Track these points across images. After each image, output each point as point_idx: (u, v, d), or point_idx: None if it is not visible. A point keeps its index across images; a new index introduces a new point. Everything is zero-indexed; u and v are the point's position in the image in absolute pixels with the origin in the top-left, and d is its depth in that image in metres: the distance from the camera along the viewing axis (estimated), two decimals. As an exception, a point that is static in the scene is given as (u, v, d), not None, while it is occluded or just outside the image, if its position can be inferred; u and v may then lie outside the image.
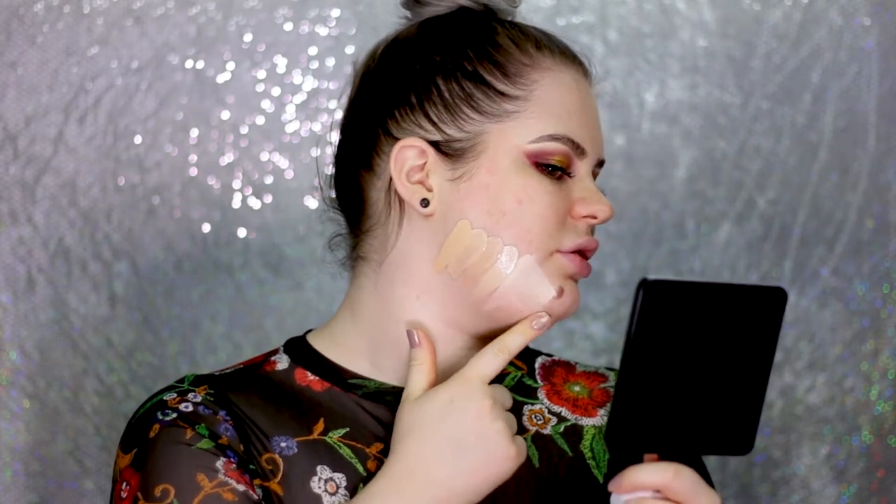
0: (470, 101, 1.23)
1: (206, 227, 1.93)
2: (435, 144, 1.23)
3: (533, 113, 1.23)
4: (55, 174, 1.89)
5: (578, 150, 1.23)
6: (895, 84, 2.00)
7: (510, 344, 1.20)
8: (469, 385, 1.17)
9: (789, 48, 2.00)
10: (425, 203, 1.23)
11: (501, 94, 1.23)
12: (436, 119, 1.23)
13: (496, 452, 1.16)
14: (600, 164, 1.28)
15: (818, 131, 2.00)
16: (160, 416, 1.20)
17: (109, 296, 1.90)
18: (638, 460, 1.07)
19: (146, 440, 1.19)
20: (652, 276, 1.02)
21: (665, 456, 1.06)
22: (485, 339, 1.26)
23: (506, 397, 1.20)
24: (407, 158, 1.23)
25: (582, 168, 1.24)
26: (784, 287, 1.06)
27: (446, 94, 1.23)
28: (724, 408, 1.05)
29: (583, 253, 1.24)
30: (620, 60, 1.98)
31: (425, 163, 1.23)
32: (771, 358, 1.06)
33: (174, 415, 1.20)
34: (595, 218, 1.24)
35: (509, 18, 1.30)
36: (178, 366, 1.92)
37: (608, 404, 1.32)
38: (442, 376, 1.25)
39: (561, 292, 1.22)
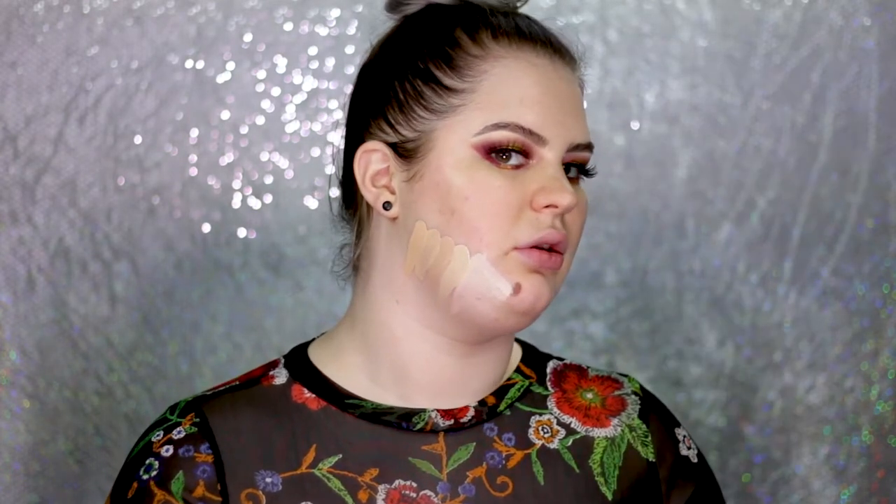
0: (420, 100, 1.21)
1: (206, 227, 1.93)
2: (393, 146, 1.22)
3: (479, 104, 1.20)
4: (55, 174, 1.89)
5: (533, 136, 1.19)
6: (895, 84, 2.00)
7: None
8: None
9: (789, 48, 2.00)
10: (387, 206, 1.22)
11: (448, 88, 1.21)
12: (392, 121, 1.22)
13: None
14: (586, 146, 1.23)
15: (818, 131, 2.00)
16: (141, 473, 1.21)
17: (109, 296, 1.90)
18: None
19: (124, 499, 1.21)
20: None
21: None
22: (463, 342, 1.24)
23: None
24: (370, 162, 1.23)
25: (547, 155, 1.20)
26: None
27: (401, 95, 1.22)
28: None
29: (550, 247, 1.20)
30: (620, 60, 1.98)
31: (388, 166, 1.22)
32: None
33: (153, 472, 1.21)
34: (556, 207, 1.19)
35: (504, 11, 1.27)
36: (178, 366, 1.92)
37: (622, 414, 1.30)
38: (437, 388, 1.24)
39: (518, 288, 1.19)
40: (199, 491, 1.19)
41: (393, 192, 1.22)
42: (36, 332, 1.89)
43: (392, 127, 1.22)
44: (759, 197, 2.00)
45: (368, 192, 1.23)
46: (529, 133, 1.20)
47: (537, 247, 1.20)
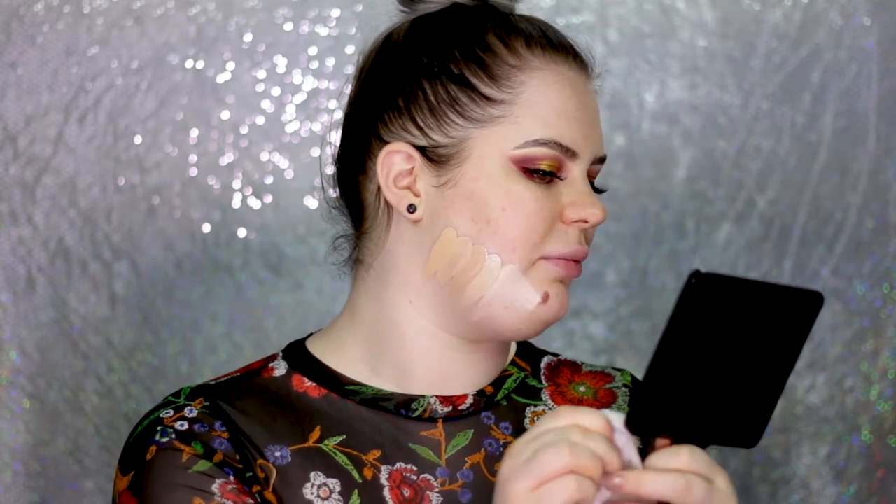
0: (455, 106, 1.21)
1: (206, 227, 1.93)
2: (421, 150, 1.21)
3: (519, 117, 1.20)
4: (55, 174, 1.89)
5: (568, 152, 1.21)
6: (895, 84, 2.00)
7: (583, 459, 1.05)
8: (521, 448, 1.05)
9: (789, 48, 2.00)
10: (412, 209, 1.21)
11: (486, 98, 1.20)
12: (422, 124, 1.21)
13: None
14: (602, 160, 1.25)
15: (818, 131, 2.00)
16: (157, 438, 1.19)
17: (109, 296, 1.90)
18: (648, 444, 1.08)
19: (143, 463, 1.18)
20: (704, 270, 1.03)
21: (677, 441, 1.07)
22: (478, 343, 1.25)
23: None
24: (394, 163, 1.21)
25: (574, 169, 1.22)
26: (822, 293, 1.07)
27: (432, 98, 1.21)
28: (742, 401, 1.07)
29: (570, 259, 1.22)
30: (620, 60, 1.98)
31: (413, 168, 1.21)
32: (795, 359, 1.07)
33: (171, 435, 1.19)
34: (586, 222, 1.21)
35: (508, 12, 1.27)
36: (178, 366, 1.92)
37: (613, 406, 1.31)
38: (438, 380, 1.25)
39: (546, 297, 1.20)
40: (220, 457, 1.19)
41: (417, 195, 1.21)
42: (36, 332, 1.89)
43: (421, 130, 1.21)
44: (759, 197, 2.00)
45: (392, 192, 1.22)
46: (566, 150, 1.21)
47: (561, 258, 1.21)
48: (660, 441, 1.07)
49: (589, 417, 1.02)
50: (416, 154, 1.21)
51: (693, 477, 1.03)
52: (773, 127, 2.00)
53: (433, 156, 1.21)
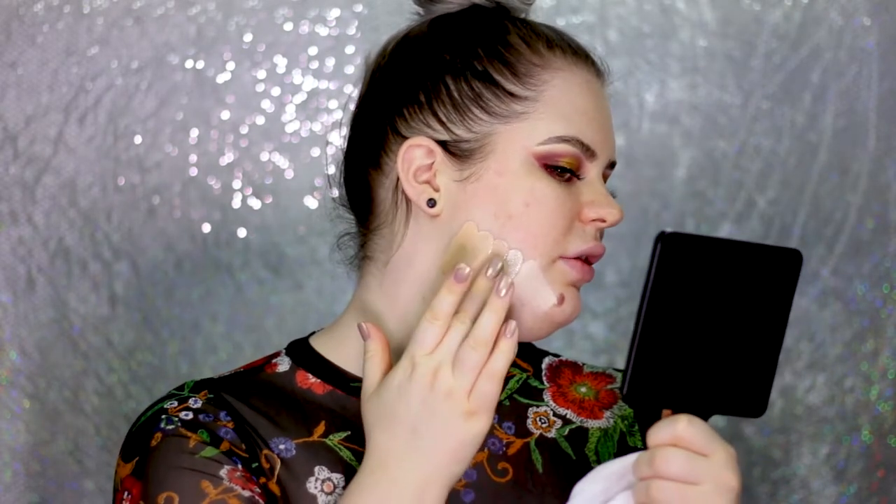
0: (479, 101, 1.22)
1: (206, 227, 1.93)
2: (443, 144, 1.22)
3: (542, 114, 1.21)
4: (55, 174, 1.89)
5: (588, 152, 1.22)
6: (895, 84, 2.00)
7: (438, 307, 1.17)
8: (410, 364, 1.15)
9: (789, 48, 2.00)
10: (432, 203, 1.22)
11: (511, 94, 1.22)
12: (444, 118, 1.22)
13: (449, 428, 1.14)
14: (612, 165, 1.26)
15: (818, 131, 2.00)
16: (162, 425, 1.20)
17: (109, 296, 1.90)
18: (656, 418, 1.07)
19: (148, 448, 1.19)
20: (670, 229, 1.03)
21: (680, 412, 1.07)
22: None
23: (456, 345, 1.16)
24: (414, 158, 1.22)
25: (592, 170, 1.23)
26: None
27: (455, 94, 1.22)
28: (739, 368, 1.06)
29: (587, 259, 1.23)
30: (620, 60, 1.98)
31: (433, 162, 1.22)
32: (785, 321, 1.07)
33: (177, 423, 1.20)
34: (604, 221, 1.23)
35: (522, 16, 1.29)
36: (178, 366, 1.92)
37: (614, 406, 1.31)
38: None
39: (562, 300, 1.21)
40: (226, 446, 1.19)
41: (437, 189, 1.22)
42: (36, 332, 1.89)
43: (443, 124, 1.22)
44: (759, 197, 2.00)
45: (412, 186, 1.22)
46: (586, 149, 1.22)
47: (579, 258, 1.22)
48: (664, 413, 1.07)
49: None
50: (437, 149, 1.22)
51: (667, 450, 1.04)
52: (773, 127, 2.00)
53: (456, 150, 1.22)
